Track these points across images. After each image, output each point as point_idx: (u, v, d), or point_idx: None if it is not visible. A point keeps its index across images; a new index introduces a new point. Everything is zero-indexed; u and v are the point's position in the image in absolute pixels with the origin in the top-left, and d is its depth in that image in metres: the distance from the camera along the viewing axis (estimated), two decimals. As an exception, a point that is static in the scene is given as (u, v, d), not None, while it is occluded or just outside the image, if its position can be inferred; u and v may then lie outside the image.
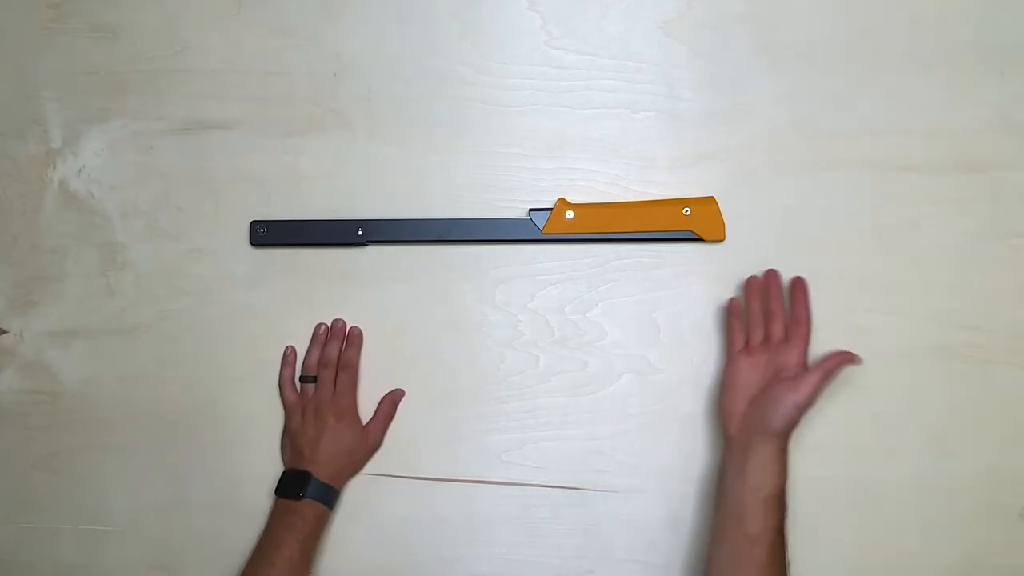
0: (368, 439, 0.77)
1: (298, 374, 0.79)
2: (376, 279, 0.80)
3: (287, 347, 0.80)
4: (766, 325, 0.74)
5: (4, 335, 0.82)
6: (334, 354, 0.78)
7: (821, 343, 0.78)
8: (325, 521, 0.74)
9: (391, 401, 0.79)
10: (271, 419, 0.80)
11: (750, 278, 0.76)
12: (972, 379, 0.77)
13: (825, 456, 0.77)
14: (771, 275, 0.75)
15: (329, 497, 0.74)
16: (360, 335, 0.79)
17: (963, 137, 0.78)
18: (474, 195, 0.80)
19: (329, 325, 0.79)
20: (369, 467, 0.79)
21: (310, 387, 0.78)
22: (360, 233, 0.79)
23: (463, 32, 0.81)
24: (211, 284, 0.81)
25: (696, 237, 0.78)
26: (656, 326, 0.79)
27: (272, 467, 0.79)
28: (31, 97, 0.83)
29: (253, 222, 0.80)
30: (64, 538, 0.81)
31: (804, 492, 0.74)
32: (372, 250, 0.80)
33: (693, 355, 0.78)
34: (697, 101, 0.80)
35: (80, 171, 0.82)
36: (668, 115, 0.80)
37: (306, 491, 0.73)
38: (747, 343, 0.74)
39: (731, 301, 0.76)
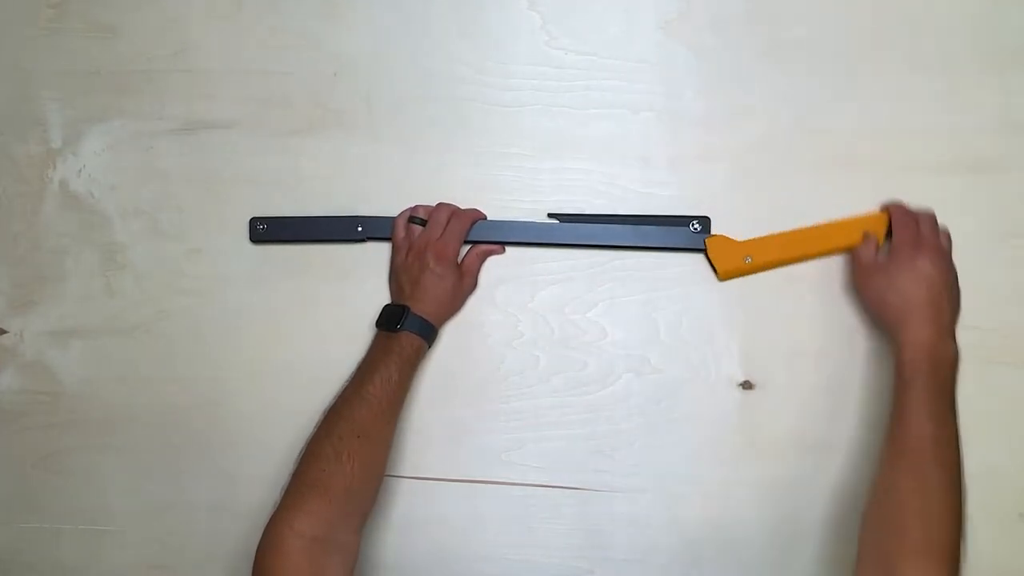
0: (463, 282, 0.78)
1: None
2: (376, 277, 0.80)
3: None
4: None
5: (4, 335, 0.82)
6: (448, 208, 0.78)
7: (821, 342, 0.78)
8: (422, 354, 0.75)
9: (482, 250, 0.79)
10: (271, 419, 0.80)
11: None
12: (972, 379, 0.77)
13: (825, 456, 0.77)
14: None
15: (426, 331, 0.74)
16: (483, 215, 0.79)
17: (963, 137, 0.78)
18: (473, 195, 0.80)
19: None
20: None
21: (418, 228, 0.78)
22: (360, 229, 0.79)
23: (463, 32, 0.81)
24: (211, 284, 0.81)
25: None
26: (656, 326, 0.79)
27: (272, 467, 0.79)
28: (31, 97, 0.83)
29: (253, 219, 0.80)
30: (64, 538, 0.81)
31: (804, 492, 0.74)
32: (372, 249, 0.80)
33: (693, 355, 0.78)
34: (697, 101, 0.80)
35: (80, 171, 0.82)
36: (668, 115, 0.80)
37: (404, 323, 0.73)
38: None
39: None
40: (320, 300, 0.80)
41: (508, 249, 0.80)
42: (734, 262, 0.77)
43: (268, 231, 0.80)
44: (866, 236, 0.76)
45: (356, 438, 0.67)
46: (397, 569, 0.78)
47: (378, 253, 0.80)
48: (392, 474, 0.79)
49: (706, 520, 0.77)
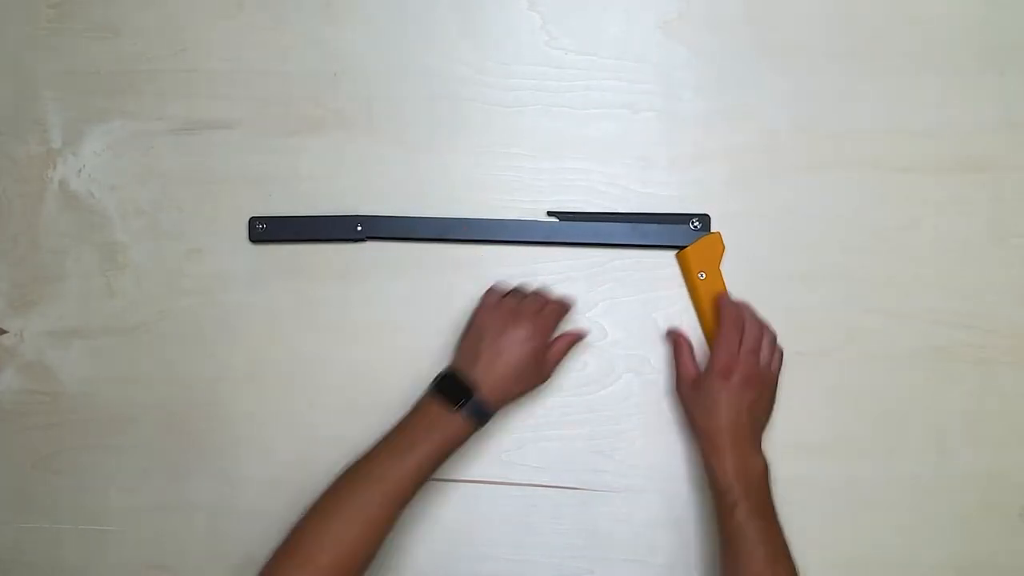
0: (542, 369, 0.73)
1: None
2: (376, 278, 0.80)
3: None
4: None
5: (4, 335, 0.82)
6: (546, 294, 0.75)
7: (821, 342, 0.78)
8: (465, 440, 0.69)
9: (572, 337, 0.75)
10: (271, 419, 0.80)
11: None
12: (972, 379, 0.77)
13: (825, 456, 0.77)
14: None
15: (482, 419, 0.69)
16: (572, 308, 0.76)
17: (963, 137, 0.78)
18: (474, 195, 0.80)
19: None
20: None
21: (512, 298, 0.74)
22: (359, 229, 0.79)
23: (463, 32, 0.81)
24: (211, 284, 0.81)
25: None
26: (656, 326, 0.79)
27: (272, 467, 0.79)
28: (31, 97, 0.83)
29: (252, 218, 0.80)
30: (64, 538, 0.81)
31: (804, 492, 0.74)
32: (372, 249, 0.80)
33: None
34: (697, 101, 0.80)
35: (80, 171, 0.82)
36: (668, 115, 0.80)
37: (464, 407, 0.68)
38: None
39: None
40: (320, 300, 0.80)
41: (508, 248, 0.80)
42: (696, 266, 0.77)
43: (267, 230, 0.80)
44: (678, 345, 0.76)
45: (361, 528, 0.64)
46: (397, 569, 0.78)
47: (378, 252, 0.80)
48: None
49: (705, 520, 0.77)
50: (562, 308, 0.75)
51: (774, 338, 0.74)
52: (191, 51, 0.82)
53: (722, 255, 0.76)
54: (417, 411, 0.70)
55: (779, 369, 0.74)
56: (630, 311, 0.79)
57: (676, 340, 0.77)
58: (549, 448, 0.79)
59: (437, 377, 0.71)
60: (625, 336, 0.79)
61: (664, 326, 0.79)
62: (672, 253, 0.79)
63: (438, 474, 0.76)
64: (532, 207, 0.80)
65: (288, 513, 0.79)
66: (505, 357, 0.70)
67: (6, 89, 0.83)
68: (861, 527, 0.77)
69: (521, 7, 0.81)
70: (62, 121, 0.82)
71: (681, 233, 0.78)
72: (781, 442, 0.74)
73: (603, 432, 0.79)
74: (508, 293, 0.76)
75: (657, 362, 0.79)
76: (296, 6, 0.81)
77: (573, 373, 0.79)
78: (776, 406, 0.76)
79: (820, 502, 0.76)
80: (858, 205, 0.79)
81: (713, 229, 0.78)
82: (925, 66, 0.79)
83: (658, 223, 0.78)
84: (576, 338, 0.76)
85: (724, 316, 0.73)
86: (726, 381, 0.70)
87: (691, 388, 0.74)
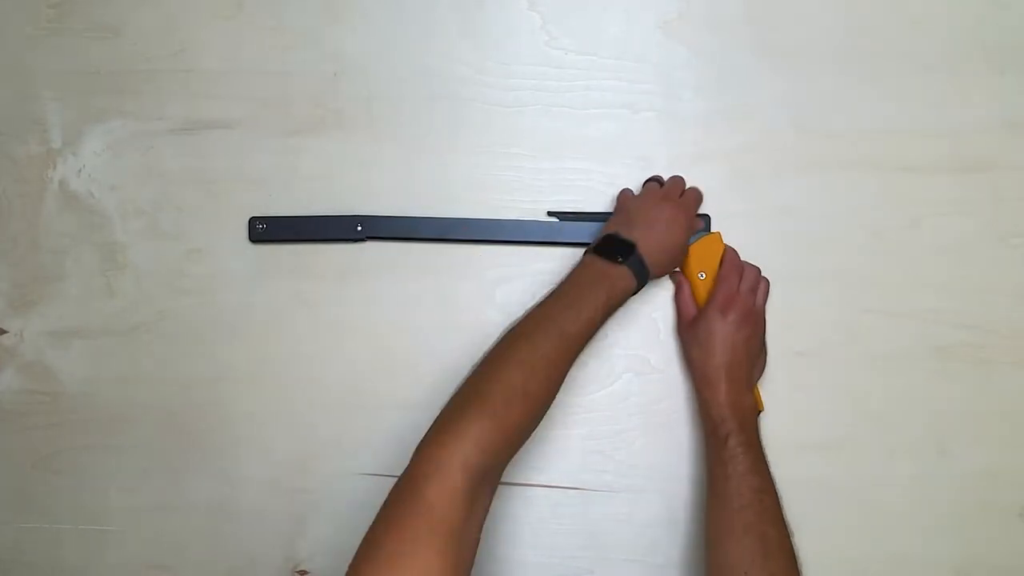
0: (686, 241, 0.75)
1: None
2: (375, 278, 0.80)
3: None
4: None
5: (4, 335, 0.82)
6: (683, 181, 0.78)
7: (821, 342, 0.78)
8: (628, 296, 0.69)
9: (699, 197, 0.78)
10: (271, 419, 0.80)
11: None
12: (972, 379, 0.77)
13: (825, 456, 0.77)
14: None
15: (643, 274, 0.69)
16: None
17: (963, 137, 0.78)
18: (473, 195, 0.80)
19: None
20: (368, 468, 0.79)
21: (654, 183, 0.77)
22: (359, 229, 0.79)
23: (463, 32, 0.81)
24: (211, 284, 0.81)
25: None
26: (656, 326, 0.79)
27: (272, 467, 0.79)
28: (31, 97, 0.83)
29: (252, 218, 0.80)
30: (64, 538, 0.81)
31: (804, 492, 0.74)
32: (372, 250, 0.80)
33: (693, 355, 0.78)
34: (697, 101, 0.80)
35: (80, 171, 0.82)
36: (668, 115, 0.80)
37: (628, 259, 0.68)
38: None
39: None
40: (320, 300, 0.80)
41: (508, 248, 0.80)
42: (696, 266, 0.77)
43: (267, 230, 0.80)
44: (680, 285, 0.78)
45: (545, 376, 0.61)
46: (397, 569, 0.78)
47: (378, 252, 0.80)
48: (392, 475, 0.79)
49: (704, 521, 0.77)
50: (699, 194, 0.78)
51: (768, 284, 0.76)
52: (191, 51, 0.82)
53: (722, 255, 0.76)
54: (582, 268, 0.70)
55: (764, 304, 0.76)
56: (630, 311, 0.79)
57: (679, 281, 0.78)
58: (549, 448, 0.79)
59: (596, 241, 0.72)
60: (625, 336, 0.79)
61: (664, 326, 0.79)
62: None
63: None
64: (532, 207, 0.80)
65: (288, 513, 0.80)
66: (658, 228, 0.72)
67: (6, 89, 0.83)
68: (861, 527, 0.77)
69: (521, 7, 0.81)
70: (62, 121, 0.82)
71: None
72: (781, 442, 0.74)
73: (603, 432, 0.79)
74: (646, 182, 0.78)
75: (657, 362, 0.79)
76: (296, 6, 0.81)
77: (573, 373, 0.78)
78: (776, 406, 0.76)
79: (820, 502, 0.76)
80: (858, 205, 0.78)
81: (713, 229, 0.78)
82: (925, 66, 0.79)
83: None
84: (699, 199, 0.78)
85: (725, 259, 0.76)
86: (724, 317, 0.72)
87: (689, 326, 0.76)
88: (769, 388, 0.77)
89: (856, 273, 0.78)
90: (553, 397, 0.63)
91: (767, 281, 0.76)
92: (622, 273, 0.68)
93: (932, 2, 0.79)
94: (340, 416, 0.79)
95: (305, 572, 0.79)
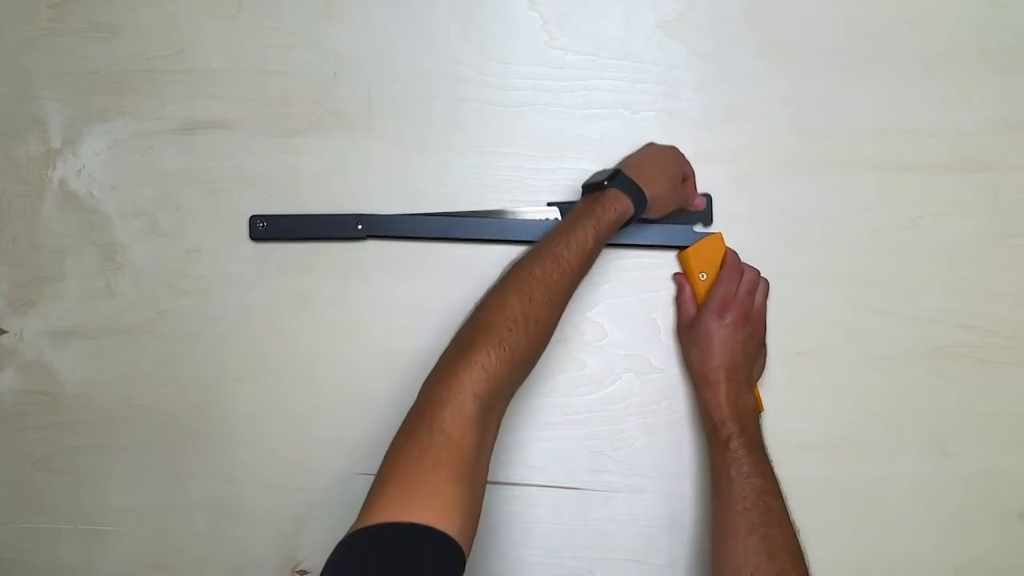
0: (681, 195, 0.76)
1: None
2: (376, 277, 0.80)
3: None
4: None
5: (4, 335, 0.82)
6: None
7: (821, 342, 0.78)
8: (626, 217, 0.70)
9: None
10: (271, 419, 0.80)
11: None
12: (972, 379, 0.77)
13: (825, 456, 0.77)
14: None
15: (636, 194, 0.70)
16: None
17: (963, 137, 0.78)
18: (473, 195, 0.80)
19: None
20: (368, 468, 0.79)
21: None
22: (360, 227, 0.79)
23: (463, 32, 0.81)
24: (211, 284, 0.81)
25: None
26: (656, 326, 0.79)
27: (272, 467, 0.79)
28: (31, 97, 0.82)
29: (253, 216, 0.80)
30: (64, 538, 0.81)
31: (804, 492, 0.74)
32: (372, 248, 0.80)
33: (693, 355, 0.78)
34: (697, 101, 0.80)
35: (80, 171, 0.82)
36: (668, 115, 0.80)
37: (613, 181, 0.70)
38: None
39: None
40: (320, 299, 0.80)
41: (508, 248, 0.79)
42: (696, 267, 0.77)
43: (268, 229, 0.80)
44: (680, 286, 0.78)
45: (545, 304, 0.62)
46: (397, 569, 0.78)
47: (378, 251, 0.80)
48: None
49: (705, 520, 0.77)
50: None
51: (767, 285, 0.76)
52: (190, 51, 0.82)
53: (723, 255, 0.76)
54: (577, 204, 0.72)
55: (764, 305, 0.76)
56: (630, 311, 0.79)
57: (679, 282, 0.78)
58: (549, 448, 0.79)
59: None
60: (625, 336, 0.79)
61: (664, 326, 0.79)
62: (673, 253, 0.79)
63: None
64: (532, 207, 0.79)
65: (288, 513, 0.80)
66: (643, 153, 0.76)
67: (6, 89, 0.83)
68: (861, 527, 0.77)
69: (521, 7, 0.81)
70: (62, 121, 0.82)
71: (682, 233, 0.78)
72: (781, 442, 0.74)
73: (603, 432, 0.79)
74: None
75: (657, 362, 0.79)
76: (296, 6, 0.81)
77: (573, 373, 0.79)
78: (776, 406, 0.76)
79: (820, 502, 0.76)
80: (858, 205, 0.79)
81: (714, 229, 0.78)
82: (925, 66, 0.79)
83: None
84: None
85: (726, 260, 0.76)
86: (721, 319, 0.73)
87: (688, 328, 0.76)
88: (769, 388, 0.77)
89: (856, 273, 0.78)
90: (554, 323, 0.64)
91: (767, 282, 0.76)
92: (612, 195, 0.69)
93: (932, 2, 0.79)
94: (340, 416, 0.79)
95: (305, 572, 0.79)
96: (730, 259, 0.76)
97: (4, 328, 0.82)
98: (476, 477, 0.53)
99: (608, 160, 0.79)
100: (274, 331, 0.80)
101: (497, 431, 0.59)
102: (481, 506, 0.54)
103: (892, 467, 0.77)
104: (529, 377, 0.78)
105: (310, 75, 0.81)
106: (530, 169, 0.80)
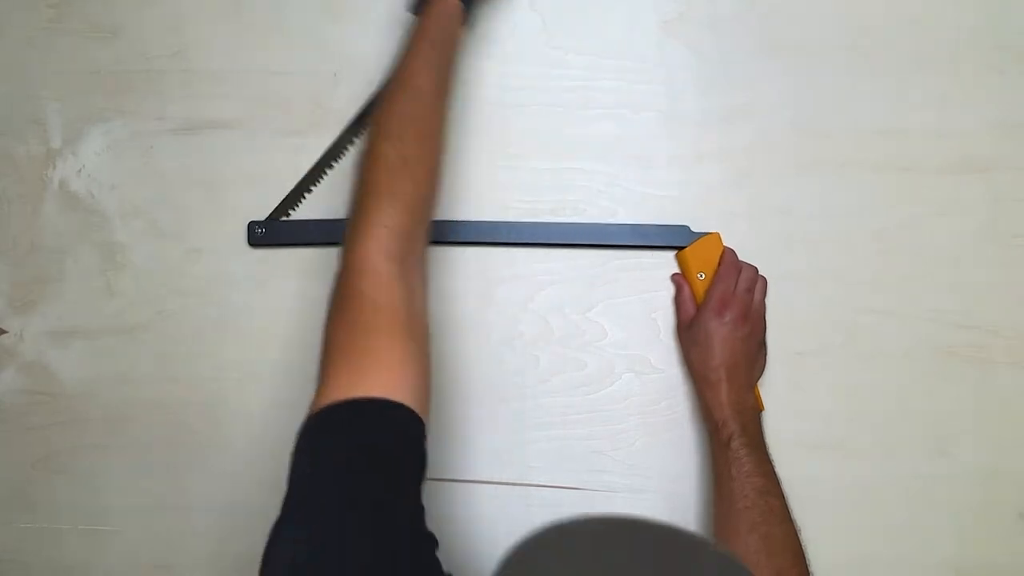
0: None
1: None
2: (376, 279, 0.80)
3: None
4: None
5: (4, 335, 0.82)
6: None
7: (821, 342, 0.78)
8: (460, 22, 0.67)
9: None
10: (271, 419, 0.80)
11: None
12: (972, 379, 0.77)
13: (825, 456, 0.77)
14: None
15: None
16: None
17: (963, 137, 0.78)
18: (473, 195, 0.80)
19: None
20: (369, 467, 0.79)
21: None
22: None
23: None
24: (211, 284, 0.81)
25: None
26: (656, 326, 0.79)
27: (272, 467, 0.79)
28: (31, 97, 0.82)
29: (251, 223, 0.80)
30: (64, 538, 0.81)
31: (804, 492, 0.74)
32: (372, 250, 0.80)
33: (693, 355, 0.78)
34: (697, 101, 0.80)
35: (80, 171, 0.82)
36: (668, 115, 0.80)
37: None
38: None
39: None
40: (320, 300, 0.80)
41: (507, 249, 0.80)
42: (695, 267, 0.77)
43: (266, 235, 0.80)
44: (679, 286, 0.78)
45: (414, 136, 0.60)
46: (397, 569, 0.78)
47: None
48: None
49: (706, 520, 0.77)
50: None
51: (766, 283, 0.76)
52: (191, 51, 0.82)
53: (721, 255, 0.76)
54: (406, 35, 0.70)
55: (763, 303, 0.76)
56: (630, 311, 0.79)
57: (678, 282, 0.78)
58: (549, 448, 0.79)
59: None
60: (625, 336, 0.79)
61: (664, 326, 0.79)
62: (671, 254, 0.79)
63: (438, 475, 0.76)
64: (532, 207, 0.80)
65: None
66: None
67: (6, 89, 0.83)
68: (861, 527, 0.77)
69: (521, 7, 0.81)
70: (62, 121, 0.82)
71: (680, 233, 0.78)
72: (781, 442, 0.74)
73: (603, 432, 0.79)
74: None
75: (657, 362, 0.79)
76: (296, 6, 0.81)
77: (572, 373, 0.79)
78: (776, 406, 0.76)
79: (820, 502, 0.76)
80: (858, 205, 0.78)
81: (713, 229, 0.78)
82: (925, 66, 0.79)
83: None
84: None
85: (724, 259, 0.76)
86: (720, 318, 0.73)
87: (688, 328, 0.76)
88: (769, 388, 0.77)
89: (856, 273, 0.78)
90: (437, 155, 0.63)
91: (765, 279, 0.76)
92: (438, 8, 0.68)
93: (932, 2, 0.79)
94: (340, 416, 0.79)
95: (305, 572, 0.79)
96: (727, 257, 0.76)
97: (4, 328, 0.82)
98: (414, 329, 0.54)
99: (608, 160, 0.79)
100: (274, 331, 0.80)
101: (425, 271, 0.59)
102: (429, 352, 0.55)
103: (892, 467, 0.77)
104: (529, 377, 0.79)
105: (310, 75, 0.81)
106: (530, 169, 0.80)
